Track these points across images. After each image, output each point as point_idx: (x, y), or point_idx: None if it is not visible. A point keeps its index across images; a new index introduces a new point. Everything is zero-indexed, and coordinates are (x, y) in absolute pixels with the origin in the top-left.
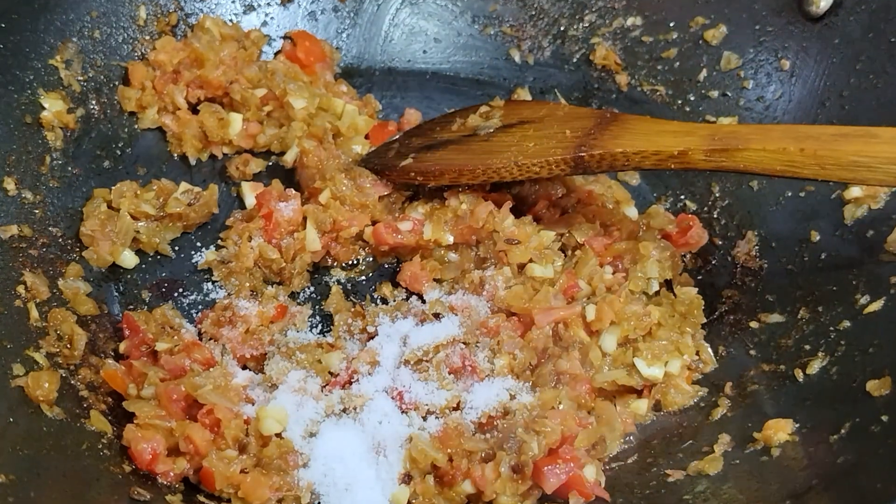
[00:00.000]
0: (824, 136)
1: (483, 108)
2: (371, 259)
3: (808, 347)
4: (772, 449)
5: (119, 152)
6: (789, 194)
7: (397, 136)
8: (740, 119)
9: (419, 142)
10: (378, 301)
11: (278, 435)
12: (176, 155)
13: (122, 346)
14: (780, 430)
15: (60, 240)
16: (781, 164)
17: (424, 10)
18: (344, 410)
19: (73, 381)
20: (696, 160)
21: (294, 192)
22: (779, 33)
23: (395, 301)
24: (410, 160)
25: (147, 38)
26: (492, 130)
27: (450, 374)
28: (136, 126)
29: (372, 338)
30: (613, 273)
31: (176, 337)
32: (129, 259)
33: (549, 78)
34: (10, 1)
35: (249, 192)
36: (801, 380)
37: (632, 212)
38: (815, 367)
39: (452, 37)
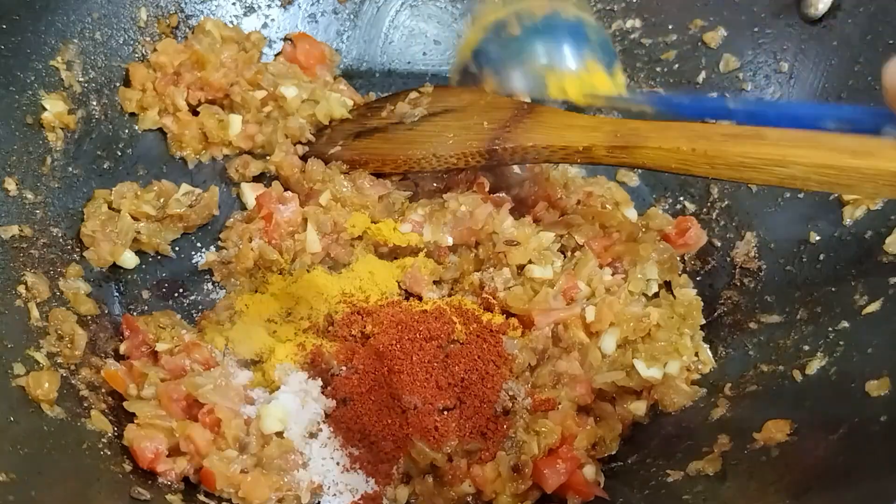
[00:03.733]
0: (715, 137)
1: (412, 95)
2: None
3: (806, 348)
4: (771, 449)
5: (119, 153)
6: (788, 195)
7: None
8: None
9: (350, 127)
10: None
11: (279, 435)
12: (176, 156)
13: (123, 347)
14: (778, 431)
15: (61, 240)
16: (676, 162)
17: (424, 12)
18: None
19: (73, 381)
20: (600, 156)
21: (292, 193)
22: (777, 35)
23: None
24: (339, 148)
25: (148, 39)
26: (416, 119)
27: None
28: (136, 127)
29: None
30: (613, 274)
31: (176, 337)
32: (129, 259)
33: None
34: (11, 2)
35: (249, 194)
36: (799, 380)
37: (631, 213)
38: (813, 367)
39: (452, 39)
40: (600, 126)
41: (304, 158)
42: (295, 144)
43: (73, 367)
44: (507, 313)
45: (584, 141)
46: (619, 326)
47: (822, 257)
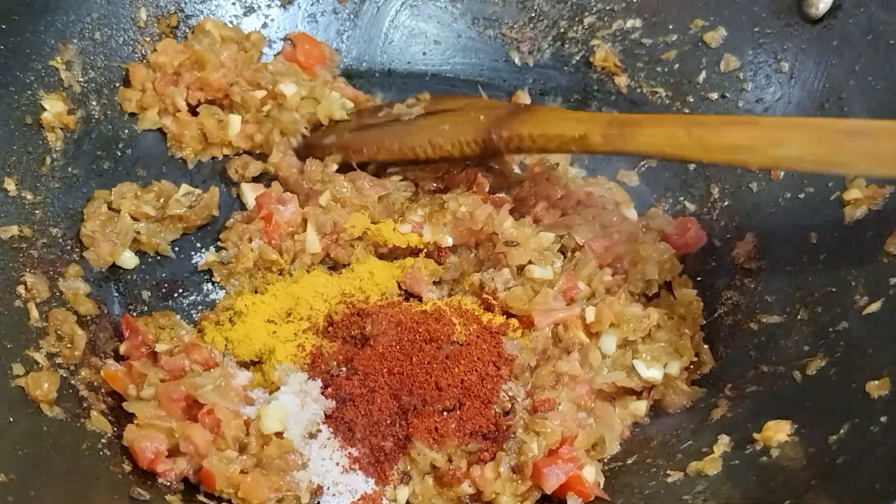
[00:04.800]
0: (712, 123)
1: (409, 100)
2: None
3: (806, 348)
4: (771, 450)
5: (119, 153)
6: (788, 195)
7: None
8: None
9: (347, 126)
10: None
11: (279, 435)
12: (176, 156)
13: (123, 348)
14: (779, 431)
15: (61, 240)
16: (671, 147)
17: (424, 11)
18: None
19: (73, 382)
20: (595, 143)
21: (292, 194)
22: (778, 35)
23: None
24: (333, 138)
25: (147, 39)
26: (413, 117)
27: None
28: (136, 127)
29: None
30: (613, 275)
31: (175, 338)
32: (129, 260)
33: (548, 80)
34: (11, 2)
35: (249, 194)
36: (799, 381)
37: (631, 213)
38: (813, 368)
39: (452, 39)
40: (596, 118)
41: (301, 158)
42: (288, 137)
43: (72, 368)
44: (507, 314)
45: (580, 129)
46: (620, 327)
47: (822, 257)
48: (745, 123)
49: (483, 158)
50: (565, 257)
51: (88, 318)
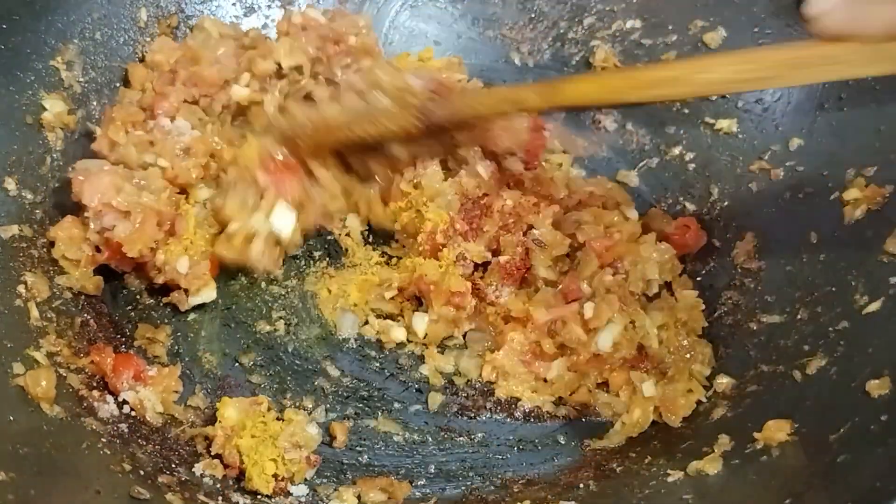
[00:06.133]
0: (642, 66)
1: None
2: None
3: (807, 348)
4: (771, 449)
5: None
6: (788, 195)
7: None
8: (739, 121)
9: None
10: None
11: None
12: None
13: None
14: (779, 431)
15: None
16: (604, 92)
17: (424, 12)
18: None
19: (72, 381)
20: (530, 99)
21: None
22: (777, 35)
23: None
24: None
25: (148, 39)
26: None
27: None
28: None
29: None
30: (613, 275)
31: None
32: None
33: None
34: (11, 2)
35: None
36: (799, 380)
37: (632, 213)
38: (814, 367)
39: (452, 39)
40: (530, 84)
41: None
42: None
43: (72, 367)
44: (507, 318)
45: (514, 92)
46: (616, 323)
47: (822, 257)
48: (672, 60)
49: (428, 135)
50: (568, 257)
51: (89, 317)
